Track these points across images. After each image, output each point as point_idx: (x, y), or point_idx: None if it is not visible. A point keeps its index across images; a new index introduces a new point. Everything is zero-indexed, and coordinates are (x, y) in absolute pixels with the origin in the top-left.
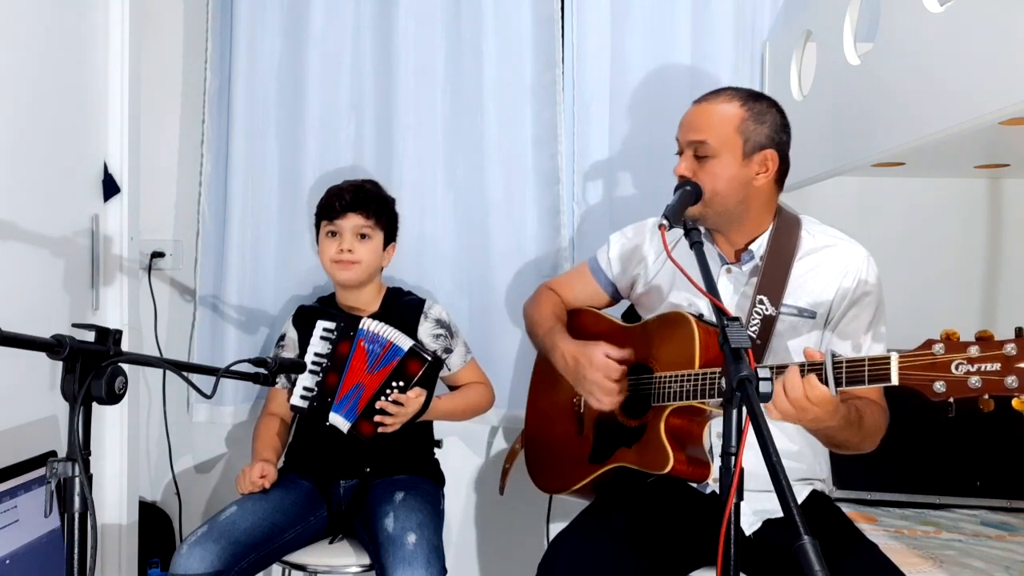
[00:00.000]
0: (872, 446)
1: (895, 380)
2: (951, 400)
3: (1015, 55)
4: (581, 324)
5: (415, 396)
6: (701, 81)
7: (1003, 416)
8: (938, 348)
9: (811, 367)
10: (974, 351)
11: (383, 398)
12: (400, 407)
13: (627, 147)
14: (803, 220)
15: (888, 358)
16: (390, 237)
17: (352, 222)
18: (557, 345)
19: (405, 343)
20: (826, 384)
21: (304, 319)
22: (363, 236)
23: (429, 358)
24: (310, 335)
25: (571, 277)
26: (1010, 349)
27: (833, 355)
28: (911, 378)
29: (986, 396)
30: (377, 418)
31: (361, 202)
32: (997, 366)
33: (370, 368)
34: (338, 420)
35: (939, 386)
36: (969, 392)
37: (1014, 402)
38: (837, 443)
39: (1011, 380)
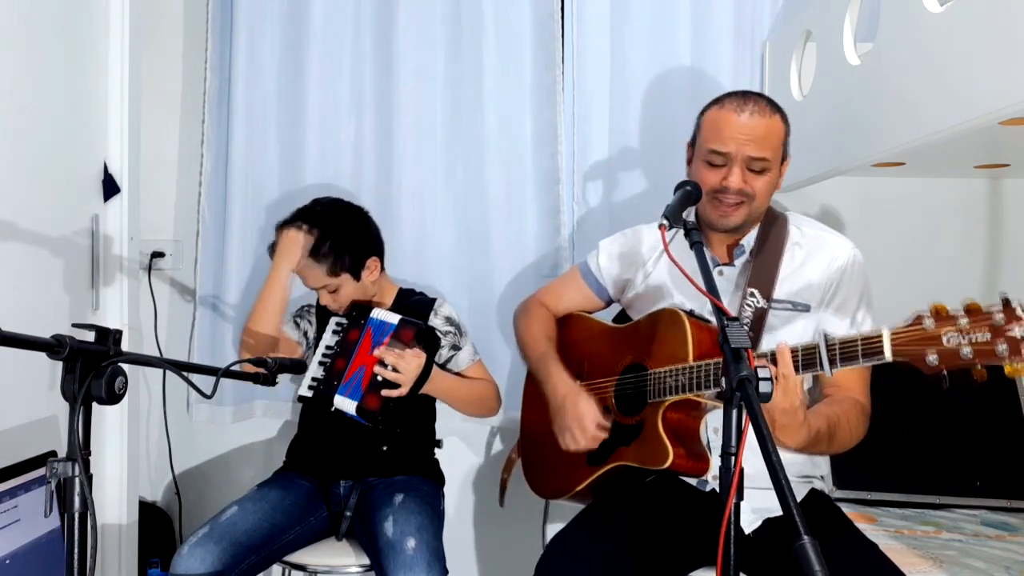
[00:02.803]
0: (844, 450)
1: (888, 355)
2: (944, 372)
3: (1015, 55)
4: (573, 329)
5: (413, 355)
6: (701, 81)
7: (1003, 416)
8: (928, 321)
9: (805, 350)
10: (964, 322)
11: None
12: (398, 374)
13: (627, 147)
14: (790, 216)
15: (880, 335)
16: (360, 264)
17: (313, 284)
18: (551, 377)
19: (396, 318)
20: (820, 366)
21: (325, 311)
22: (332, 291)
23: (421, 324)
24: (325, 327)
25: (562, 283)
26: (999, 317)
27: (826, 336)
28: (904, 352)
29: (978, 365)
30: (384, 392)
31: (302, 275)
32: (987, 335)
33: (372, 351)
34: (344, 403)
35: (932, 358)
36: (961, 362)
37: (1006, 369)
38: (807, 453)
39: (1002, 347)
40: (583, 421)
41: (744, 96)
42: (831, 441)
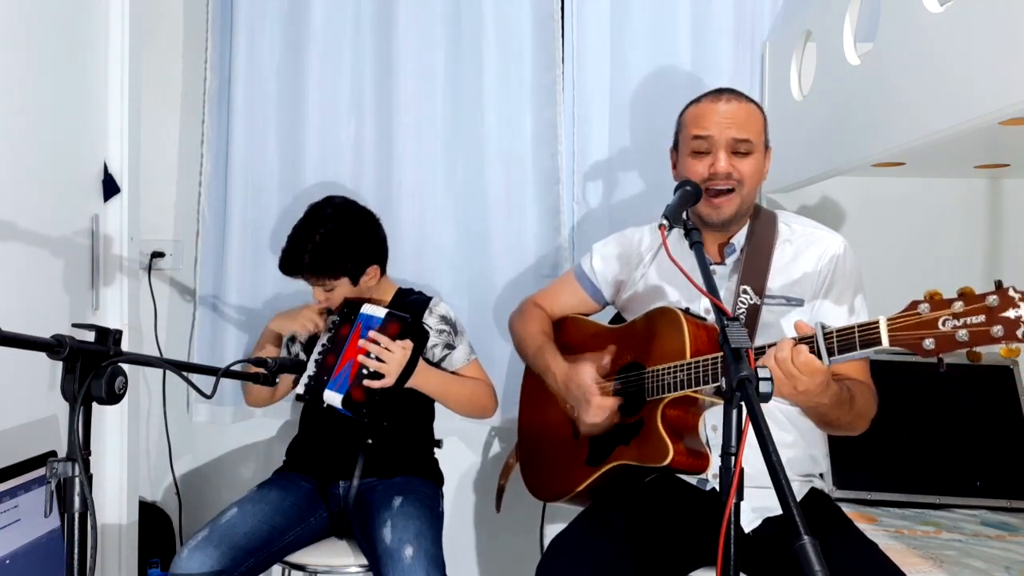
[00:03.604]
0: (864, 426)
1: (885, 342)
2: (940, 356)
3: (1015, 55)
4: (569, 331)
5: (398, 346)
6: (701, 81)
7: (1003, 416)
8: (924, 307)
9: (802, 340)
10: (958, 306)
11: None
12: (383, 364)
13: (627, 147)
14: (779, 214)
15: (876, 322)
16: (360, 270)
17: (310, 281)
18: (549, 367)
19: (383, 312)
20: (819, 356)
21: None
22: (329, 289)
23: (407, 317)
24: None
25: (557, 286)
26: (992, 301)
27: (823, 326)
28: (900, 338)
29: (974, 348)
30: (367, 382)
31: (299, 269)
32: (982, 318)
33: (360, 345)
34: (332, 397)
35: (928, 343)
36: (957, 346)
37: (1001, 350)
38: (829, 421)
39: (997, 329)
40: (587, 392)
41: (719, 90)
42: (852, 404)
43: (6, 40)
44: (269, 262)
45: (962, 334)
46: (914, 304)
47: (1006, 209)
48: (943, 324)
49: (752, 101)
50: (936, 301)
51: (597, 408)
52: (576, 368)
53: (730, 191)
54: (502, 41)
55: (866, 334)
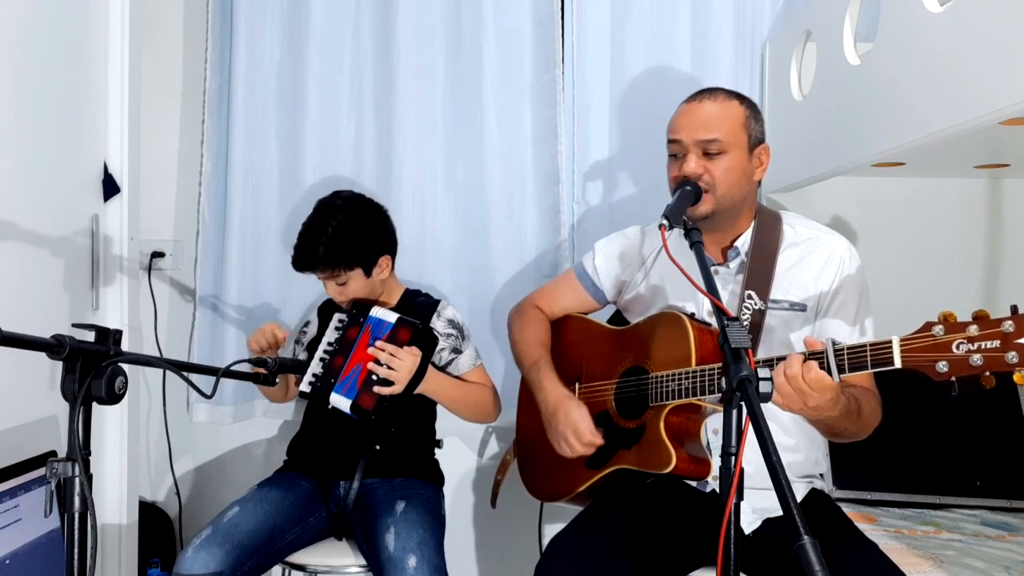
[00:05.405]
0: (868, 434)
1: (898, 363)
2: (953, 379)
3: (1015, 55)
4: (570, 331)
5: (408, 353)
6: (701, 81)
7: (1003, 416)
8: (938, 329)
9: (812, 355)
10: (973, 330)
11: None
12: (392, 371)
13: (627, 147)
14: (783, 215)
15: (890, 342)
16: (373, 261)
17: (321, 274)
18: (543, 385)
19: (394, 316)
20: (828, 372)
21: (327, 311)
22: (341, 283)
23: (418, 323)
24: (328, 324)
25: (558, 285)
26: (1008, 326)
27: (834, 342)
28: (913, 360)
29: (987, 373)
30: (376, 389)
31: (313, 263)
32: (997, 343)
33: (369, 349)
34: (339, 401)
35: (942, 366)
36: (971, 370)
37: (1015, 377)
38: (836, 432)
39: (1011, 356)
40: (578, 428)
41: (702, 90)
42: (860, 414)
43: (6, 40)
44: (269, 262)
45: (976, 359)
46: (928, 325)
47: (1006, 209)
48: (957, 348)
49: (735, 98)
50: (951, 324)
51: (581, 448)
52: (572, 404)
53: (704, 191)
54: (502, 41)
55: (878, 354)
